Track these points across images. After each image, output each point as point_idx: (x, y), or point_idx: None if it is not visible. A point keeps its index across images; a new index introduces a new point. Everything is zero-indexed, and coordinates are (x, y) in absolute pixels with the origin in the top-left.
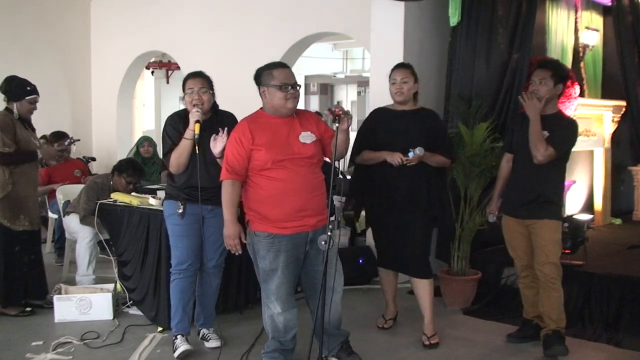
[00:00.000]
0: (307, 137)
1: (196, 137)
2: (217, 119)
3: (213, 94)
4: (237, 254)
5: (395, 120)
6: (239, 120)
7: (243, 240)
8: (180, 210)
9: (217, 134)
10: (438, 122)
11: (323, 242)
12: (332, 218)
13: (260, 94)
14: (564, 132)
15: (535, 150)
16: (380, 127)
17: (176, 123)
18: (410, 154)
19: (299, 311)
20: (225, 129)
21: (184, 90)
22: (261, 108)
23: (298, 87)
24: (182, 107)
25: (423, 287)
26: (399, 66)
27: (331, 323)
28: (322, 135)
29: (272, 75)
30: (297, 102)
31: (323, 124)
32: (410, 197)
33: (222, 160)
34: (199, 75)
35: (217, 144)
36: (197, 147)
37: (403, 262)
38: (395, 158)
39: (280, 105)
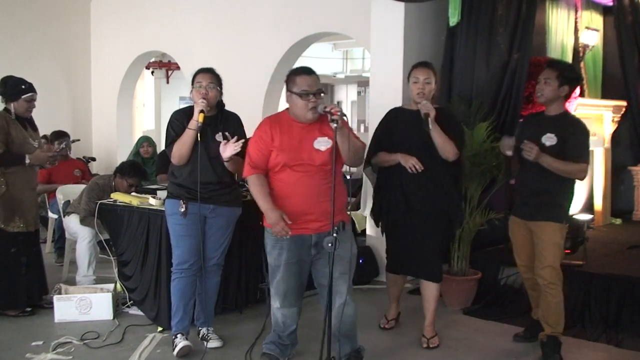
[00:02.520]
0: (322, 144)
1: (199, 125)
2: (222, 118)
3: (220, 92)
4: (288, 236)
5: (411, 120)
6: (242, 121)
7: (287, 221)
8: (183, 209)
9: (222, 132)
10: (450, 120)
11: (329, 244)
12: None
13: (286, 98)
14: (578, 139)
15: (577, 175)
16: (396, 127)
17: (181, 117)
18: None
19: (310, 312)
20: (241, 141)
21: (192, 84)
22: (287, 108)
23: (321, 95)
24: (182, 107)
25: (431, 290)
26: (422, 65)
27: (340, 330)
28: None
29: (295, 81)
30: (318, 114)
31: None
32: (428, 201)
33: (230, 164)
34: (209, 71)
35: (227, 149)
36: (199, 136)
37: (416, 265)
38: (409, 162)
39: (301, 114)
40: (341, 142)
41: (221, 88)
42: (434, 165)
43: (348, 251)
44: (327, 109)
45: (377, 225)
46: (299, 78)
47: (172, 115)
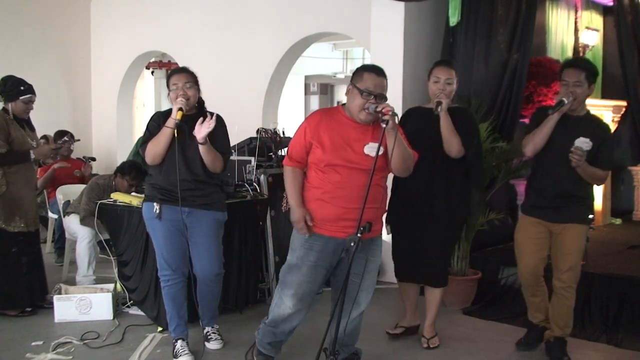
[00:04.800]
0: (373, 149)
1: (177, 122)
2: (203, 117)
3: (198, 90)
4: (306, 236)
5: (423, 119)
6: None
7: (309, 222)
8: (157, 212)
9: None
10: (464, 119)
11: (352, 244)
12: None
13: (346, 91)
14: (610, 147)
15: (601, 182)
16: (408, 126)
17: (158, 118)
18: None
19: (312, 310)
20: (215, 114)
21: (168, 87)
22: (343, 104)
23: (383, 99)
24: None
25: (435, 294)
26: (443, 64)
27: (346, 333)
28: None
29: (362, 77)
30: (374, 118)
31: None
32: (430, 205)
33: (204, 147)
34: (183, 71)
35: (202, 129)
36: (177, 133)
37: (422, 271)
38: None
39: (355, 112)
40: (390, 145)
41: (199, 86)
42: (441, 166)
43: (377, 265)
44: (379, 109)
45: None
46: (367, 74)
47: (150, 117)
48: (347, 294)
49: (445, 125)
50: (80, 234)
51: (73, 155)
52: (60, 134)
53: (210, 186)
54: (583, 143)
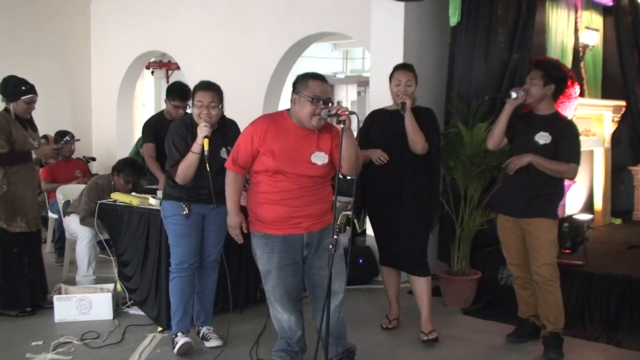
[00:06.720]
0: (319, 158)
1: (206, 154)
2: (224, 131)
3: (222, 107)
4: (239, 242)
5: (391, 120)
6: (241, 128)
7: (244, 229)
8: (185, 212)
9: (225, 148)
10: (427, 117)
11: (330, 246)
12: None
13: (291, 100)
14: (570, 140)
15: (568, 175)
16: (375, 127)
17: (183, 133)
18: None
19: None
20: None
21: (192, 99)
22: (288, 110)
23: (330, 104)
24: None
25: (420, 285)
26: (403, 67)
27: (335, 333)
28: (334, 149)
29: (307, 85)
30: (323, 122)
31: (338, 138)
32: (399, 196)
33: None
34: (210, 89)
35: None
36: (207, 165)
37: (400, 260)
38: (375, 155)
39: (306, 119)
40: (346, 145)
41: (223, 102)
42: (408, 162)
43: (341, 252)
44: (333, 112)
45: (357, 221)
46: (312, 82)
47: (171, 130)
48: (319, 288)
49: (410, 124)
50: (80, 234)
51: (73, 155)
52: (61, 134)
53: None
54: (541, 137)
